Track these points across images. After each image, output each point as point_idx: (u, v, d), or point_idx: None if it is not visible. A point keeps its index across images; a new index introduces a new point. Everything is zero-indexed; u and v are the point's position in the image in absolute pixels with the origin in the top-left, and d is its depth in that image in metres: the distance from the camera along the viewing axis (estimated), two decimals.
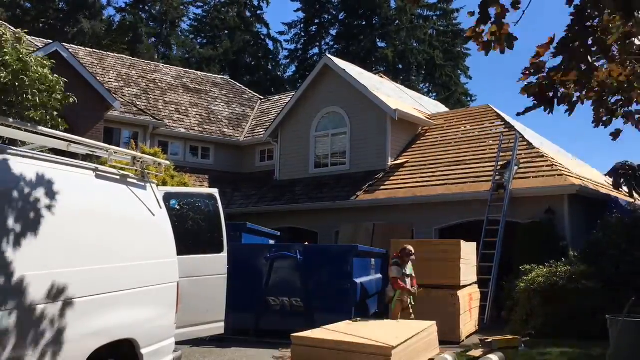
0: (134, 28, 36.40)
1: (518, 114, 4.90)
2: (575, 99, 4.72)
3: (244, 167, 20.85)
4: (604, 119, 5.06)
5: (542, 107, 4.65)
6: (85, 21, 33.01)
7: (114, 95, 16.40)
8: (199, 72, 25.91)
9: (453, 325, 9.73)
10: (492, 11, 4.16)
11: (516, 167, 13.31)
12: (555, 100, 4.65)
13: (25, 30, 9.29)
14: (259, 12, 43.10)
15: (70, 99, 9.23)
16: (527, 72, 4.63)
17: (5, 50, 8.10)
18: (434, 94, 38.72)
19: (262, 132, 20.07)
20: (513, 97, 61.13)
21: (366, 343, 6.61)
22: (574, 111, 4.77)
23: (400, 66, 38.98)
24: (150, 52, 36.18)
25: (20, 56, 8.26)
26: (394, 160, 16.21)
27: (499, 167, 13.52)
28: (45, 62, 8.71)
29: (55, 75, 8.71)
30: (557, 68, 4.40)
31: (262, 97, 25.72)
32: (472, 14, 4.29)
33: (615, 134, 5.21)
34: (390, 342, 6.61)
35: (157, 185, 6.15)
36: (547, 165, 13.20)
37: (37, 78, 8.29)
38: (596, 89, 4.74)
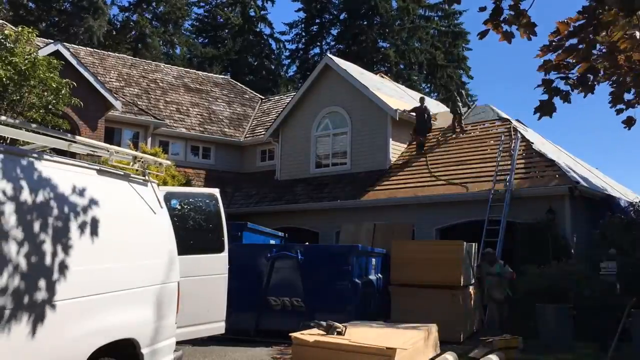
0: (140, 27, 36.38)
1: (536, 113, 4.75)
2: (583, 79, 4.69)
3: (244, 167, 20.85)
4: (627, 99, 5.03)
5: (558, 97, 4.64)
6: (93, 20, 32.99)
7: (115, 95, 16.41)
8: (200, 72, 25.91)
9: (454, 325, 9.73)
10: (505, 4, 4.19)
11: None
12: (569, 89, 4.65)
13: (36, 32, 9.31)
14: (263, 12, 43.08)
15: (74, 101, 9.26)
16: (546, 49, 4.62)
17: (15, 50, 8.13)
18: (435, 94, 38.70)
19: (263, 132, 20.07)
20: (514, 97, 61.14)
21: (368, 344, 6.60)
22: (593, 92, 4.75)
23: (402, 66, 38.96)
24: (158, 51, 36.16)
25: (28, 56, 8.30)
26: (395, 160, 16.21)
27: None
28: (54, 60, 8.74)
29: (65, 79, 8.75)
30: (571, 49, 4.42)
31: (262, 97, 25.72)
32: (483, 9, 4.30)
33: (629, 122, 5.19)
34: (392, 344, 6.60)
35: (158, 184, 6.15)
36: (547, 165, 13.19)
37: (44, 79, 8.32)
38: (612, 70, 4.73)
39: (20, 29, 8.94)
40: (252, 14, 42.75)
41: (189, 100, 21.73)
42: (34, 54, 8.71)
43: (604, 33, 4.45)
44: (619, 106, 5.19)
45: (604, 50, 4.64)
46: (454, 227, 13.74)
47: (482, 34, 4.47)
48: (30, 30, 8.95)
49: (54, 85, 8.51)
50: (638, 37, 4.21)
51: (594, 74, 4.70)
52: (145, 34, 36.55)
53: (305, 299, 10.07)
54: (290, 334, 7.25)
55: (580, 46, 4.48)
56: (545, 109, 4.64)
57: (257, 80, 39.65)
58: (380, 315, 10.51)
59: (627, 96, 5.20)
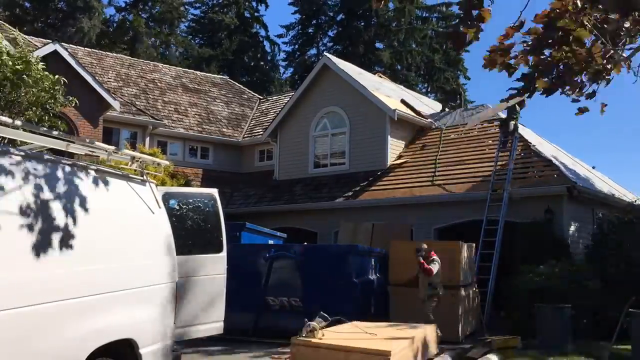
0: (135, 28, 36.33)
1: (501, 101, 4.96)
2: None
3: (243, 167, 20.84)
4: (582, 90, 5.05)
5: (526, 94, 4.71)
6: (86, 21, 32.96)
7: (113, 95, 16.39)
8: (198, 72, 25.88)
9: (452, 325, 9.73)
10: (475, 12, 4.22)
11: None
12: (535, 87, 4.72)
13: (20, 33, 9.27)
14: (256, 14, 43.09)
15: (71, 100, 9.24)
16: (494, 52, 4.68)
17: (2, 49, 8.10)
18: (433, 95, 38.72)
19: (261, 132, 20.06)
20: None
21: (366, 345, 6.61)
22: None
23: (399, 67, 38.97)
24: (154, 50, 36.14)
25: (21, 56, 8.27)
26: (394, 160, 16.21)
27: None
28: (38, 62, 8.70)
29: (57, 75, 8.72)
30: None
31: (261, 97, 25.71)
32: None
33: (582, 111, 5.22)
34: (390, 345, 6.61)
35: (157, 185, 6.14)
36: (546, 165, 13.21)
37: (39, 78, 8.29)
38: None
39: (6, 26, 8.86)
40: (247, 15, 42.76)
41: (187, 100, 21.71)
42: (28, 54, 8.67)
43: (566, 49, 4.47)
44: (568, 94, 5.21)
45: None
46: (452, 227, 13.75)
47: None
48: (15, 31, 8.90)
49: (47, 85, 8.49)
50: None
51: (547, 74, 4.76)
52: (141, 34, 36.49)
53: (304, 299, 10.05)
54: (289, 334, 7.24)
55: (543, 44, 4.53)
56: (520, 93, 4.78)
57: (253, 81, 39.64)
58: (380, 316, 10.49)
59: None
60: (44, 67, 8.63)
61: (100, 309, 4.64)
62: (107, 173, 5.24)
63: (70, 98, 9.20)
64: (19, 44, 8.76)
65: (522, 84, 4.73)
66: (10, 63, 7.97)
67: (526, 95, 4.81)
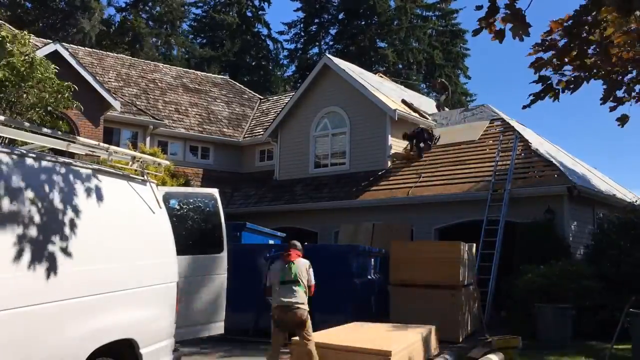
0: (135, 28, 36.33)
1: (524, 107, 4.92)
2: (576, 77, 4.75)
3: (243, 167, 20.85)
4: (619, 96, 5.05)
5: (547, 95, 4.70)
6: (86, 21, 32.98)
7: (114, 95, 16.39)
8: (198, 72, 25.88)
9: (453, 325, 9.73)
10: (501, 3, 4.19)
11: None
12: (559, 88, 4.70)
13: (30, 35, 9.29)
14: (260, 12, 43.10)
15: (75, 104, 9.25)
16: (538, 47, 4.66)
17: (12, 51, 8.12)
18: (434, 94, 38.71)
19: (262, 132, 20.06)
20: (512, 97, 61.21)
21: (366, 346, 6.62)
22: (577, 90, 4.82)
23: (400, 66, 39.01)
24: (154, 52, 36.16)
25: (26, 57, 8.29)
26: (394, 160, 16.20)
27: None
28: (52, 65, 8.72)
29: (67, 82, 8.74)
30: (562, 48, 4.46)
31: (261, 97, 25.71)
32: (479, 7, 4.30)
33: (622, 119, 5.20)
34: (390, 345, 6.62)
35: (157, 185, 6.15)
36: (546, 165, 13.21)
37: (42, 79, 8.31)
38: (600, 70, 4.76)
39: (17, 32, 8.92)
40: (250, 14, 42.75)
41: (187, 100, 21.72)
42: (32, 54, 8.69)
43: (597, 31, 4.48)
44: (610, 103, 5.20)
45: (597, 50, 4.66)
46: (452, 227, 13.75)
47: (476, 32, 4.48)
48: (24, 34, 8.93)
49: (54, 87, 8.51)
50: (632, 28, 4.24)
51: (587, 72, 4.73)
52: (141, 34, 36.48)
53: None
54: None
55: (573, 44, 4.52)
56: (537, 98, 4.76)
57: (255, 80, 39.65)
58: (380, 316, 10.49)
59: (619, 93, 5.21)
60: (56, 69, 8.65)
61: (100, 309, 4.64)
62: (108, 173, 5.25)
63: (76, 103, 9.23)
64: (26, 44, 8.78)
65: (541, 86, 4.73)
66: (18, 65, 8.00)
67: (548, 96, 4.80)
